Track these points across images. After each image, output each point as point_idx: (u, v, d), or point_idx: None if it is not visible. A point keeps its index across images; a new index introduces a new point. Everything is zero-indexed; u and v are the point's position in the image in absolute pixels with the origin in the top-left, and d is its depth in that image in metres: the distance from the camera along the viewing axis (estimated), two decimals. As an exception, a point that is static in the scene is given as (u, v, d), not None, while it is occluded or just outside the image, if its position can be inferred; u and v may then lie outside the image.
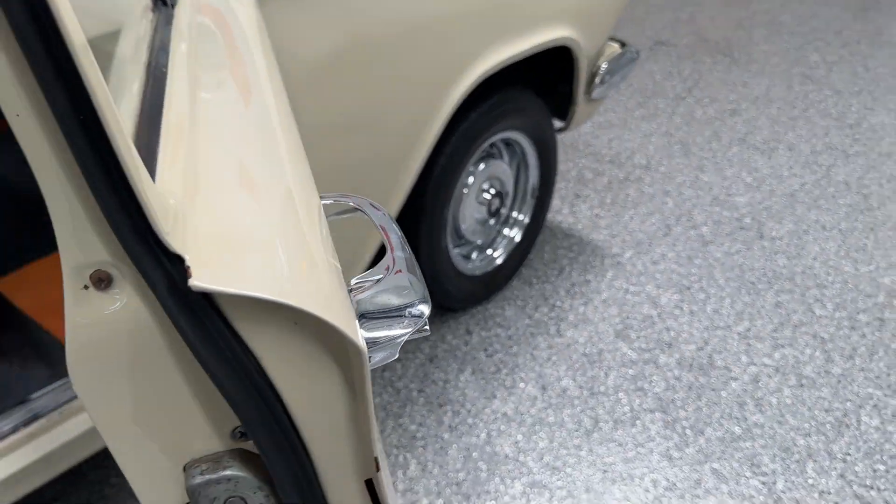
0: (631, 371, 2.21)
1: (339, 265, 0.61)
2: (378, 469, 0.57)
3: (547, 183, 2.47)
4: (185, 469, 0.58)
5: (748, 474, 1.91)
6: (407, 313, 0.60)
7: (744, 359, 2.25)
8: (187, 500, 0.59)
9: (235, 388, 0.52)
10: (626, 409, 2.10)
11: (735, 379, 2.18)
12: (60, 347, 1.84)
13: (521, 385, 2.16)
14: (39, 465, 1.64)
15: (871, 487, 1.88)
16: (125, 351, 0.53)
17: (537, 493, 1.87)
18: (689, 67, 4.05)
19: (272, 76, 0.98)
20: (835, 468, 1.93)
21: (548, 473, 1.92)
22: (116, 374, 0.53)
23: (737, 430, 2.03)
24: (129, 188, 0.47)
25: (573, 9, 2.13)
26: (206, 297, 0.50)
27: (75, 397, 1.69)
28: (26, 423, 1.64)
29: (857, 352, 2.26)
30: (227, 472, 0.56)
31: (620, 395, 2.13)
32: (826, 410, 2.08)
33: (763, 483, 1.89)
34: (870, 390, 2.14)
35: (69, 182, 0.48)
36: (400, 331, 0.58)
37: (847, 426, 2.03)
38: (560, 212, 2.89)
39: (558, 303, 2.45)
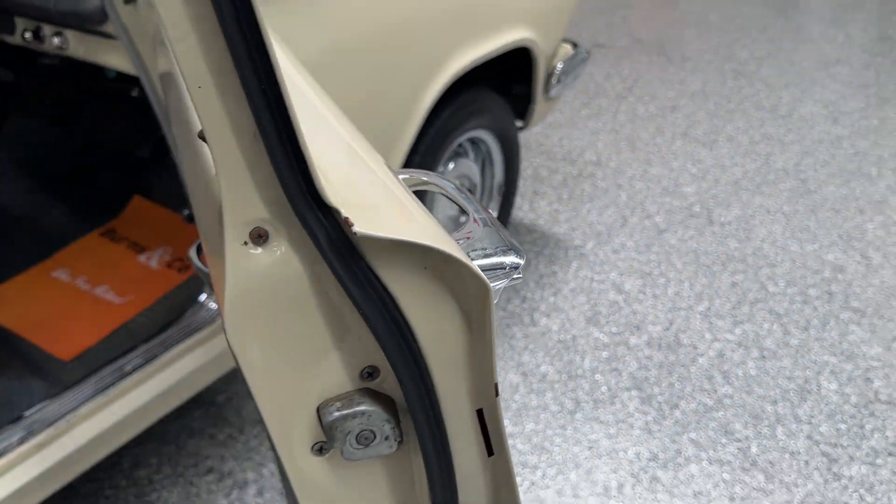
0: (604, 353, 2.31)
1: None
2: (497, 394, 0.64)
3: (511, 179, 2.57)
4: (318, 410, 0.64)
5: (724, 441, 2.03)
6: (506, 263, 0.67)
7: (707, 336, 2.38)
8: (316, 441, 0.65)
9: (380, 324, 0.58)
10: (604, 388, 2.20)
11: (702, 355, 2.31)
12: (52, 360, 1.84)
13: (503, 373, 2.24)
14: (39, 482, 1.63)
15: (836, 445, 2.02)
16: (276, 300, 0.58)
17: (529, 473, 1.95)
18: (627, 67, 4.21)
19: (292, 61, 1.04)
20: (802, 430, 2.06)
21: (537, 454, 2.00)
22: (266, 322, 0.59)
23: (708, 401, 2.15)
24: (298, 151, 0.53)
25: (532, 11, 2.23)
26: (353, 246, 0.56)
27: (71, 410, 1.68)
28: (24, 439, 1.63)
29: (811, 323, 2.41)
30: (361, 408, 0.62)
31: (597, 376, 2.23)
32: (788, 378, 2.22)
33: (739, 448, 2.01)
34: (826, 357, 2.28)
35: (241, 148, 0.54)
36: (499, 281, 0.65)
37: (809, 392, 2.18)
38: (521, 208, 2.99)
39: (529, 294, 2.54)
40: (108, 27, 1.60)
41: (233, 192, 0.55)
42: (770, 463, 1.97)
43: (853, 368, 2.24)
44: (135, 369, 1.69)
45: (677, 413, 2.12)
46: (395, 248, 0.57)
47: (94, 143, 2.37)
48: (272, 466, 2.00)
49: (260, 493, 1.94)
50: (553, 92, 2.52)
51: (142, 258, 2.11)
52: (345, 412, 0.62)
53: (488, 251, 0.68)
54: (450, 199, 0.79)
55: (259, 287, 0.58)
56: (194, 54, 0.50)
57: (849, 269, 2.64)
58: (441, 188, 0.79)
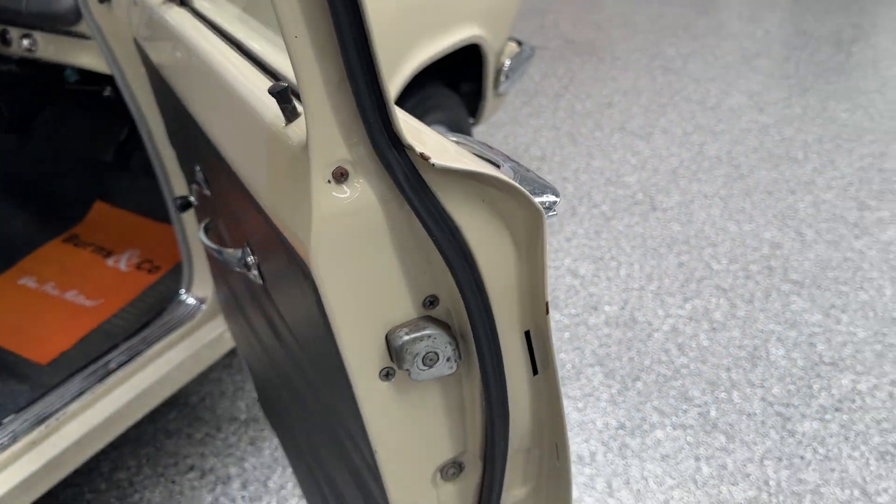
0: (567, 334, 2.41)
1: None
2: (548, 312, 0.71)
3: (466, 173, 2.65)
4: (387, 337, 0.70)
5: (685, 407, 2.15)
6: (544, 201, 0.74)
7: (660, 312, 2.50)
8: (383, 367, 0.71)
9: (449, 249, 0.65)
10: (569, 366, 2.29)
11: (656, 330, 2.43)
12: (30, 365, 1.83)
13: (471, 358, 2.31)
14: (22, 487, 1.62)
15: (788, 405, 2.16)
16: (355, 233, 0.65)
17: (506, 449, 2.03)
18: (562, 68, 4.36)
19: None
20: (755, 394, 2.19)
21: (511, 430, 2.08)
22: (347, 254, 0.65)
23: (667, 372, 2.27)
24: (380, 95, 0.59)
25: (482, 9, 2.32)
26: (423, 181, 0.63)
27: (55, 412, 1.68)
28: (10, 441, 1.62)
29: (755, 296, 2.56)
30: (427, 331, 0.68)
31: (562, 355, 2.33)
32: (739, 347, 2.35)
33: (699, 413, 2.13)
34: (771, 326, 2.43)
35: (328, 93, 0.60)
36: None
37: (759, 358, 2.31)
38: (473, 203, 3.08)
39: (489, 283, 2.62)
40: (81, 27, 1.62)
41: (319, 136, 0.61)
42: (729, 425, 2.10)
43: (797, 335, 2.39)
44: (119, 366, 1.70)
45: (639, 384, 2.23)
46: (457, 183, 0.64)
47: (53, 149, 2.36)
48: (254, 460, 2.03)
49: (244, 486, 1.96)
50: (502, 88, 2.62)
51: (109, 262, 2.12)
52: (413, 335, 0.68)
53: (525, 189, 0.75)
54: (478, 155, 0.86)
55: (341, 221, 0.64)
56: (293, 7, 0.56)
57: (785, 245, 2.81)
58: (468, 145, 0.86)
